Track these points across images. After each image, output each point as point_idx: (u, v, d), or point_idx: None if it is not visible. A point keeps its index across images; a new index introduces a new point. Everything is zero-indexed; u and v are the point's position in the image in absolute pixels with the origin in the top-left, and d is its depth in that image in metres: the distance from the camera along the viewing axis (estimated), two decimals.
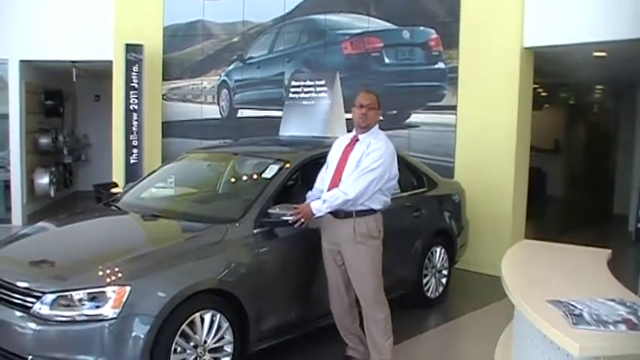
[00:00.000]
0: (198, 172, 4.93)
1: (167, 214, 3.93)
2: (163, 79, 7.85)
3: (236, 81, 7.59)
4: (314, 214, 3.51)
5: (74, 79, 8.59)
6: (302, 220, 3.49)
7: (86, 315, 2.91)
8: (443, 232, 5.03)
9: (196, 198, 4.56)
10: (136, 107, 7.44)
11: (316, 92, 5.12)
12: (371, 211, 3.56)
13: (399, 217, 4.43)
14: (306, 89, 5.19)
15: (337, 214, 3.55)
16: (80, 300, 2.92)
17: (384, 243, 3.63)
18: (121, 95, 7.48)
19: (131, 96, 7.42)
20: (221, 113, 7.72)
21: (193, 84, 7.82)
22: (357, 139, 3.61)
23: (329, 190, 3.56)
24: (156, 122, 7.79)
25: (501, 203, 5.92)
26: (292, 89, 5.35)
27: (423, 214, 4.75)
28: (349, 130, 3.86)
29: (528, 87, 6.13)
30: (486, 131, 5.96)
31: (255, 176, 4.31)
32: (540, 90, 9.99)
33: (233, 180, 4.64)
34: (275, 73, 7.26)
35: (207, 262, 3.28)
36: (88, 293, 2.93)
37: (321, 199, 3.54)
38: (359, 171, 3.48)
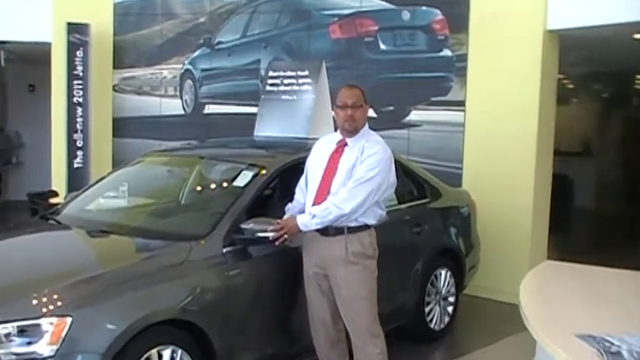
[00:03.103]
0: (157, 180, 4.94)
1: (118, 230, 3.93)
2: (114, 67, 7.84)
3: (202, 70, 7.62)
4: (300, 230, 3.55)
5: (2, 64, 8.53)
6: (285, 236, 3.53)
7: (15, 354, 2.85)
8: (449, 251, 5.08)
9: (154, 210, 4.57)
10: (80, 100, 7.43)
11: (298, 85, 5.15)
12: (365, 227, 3.61)
13: (396, 234, 4.48)
14: (286, 81, 5.23)
15: (325, 231, 3.58)
16: (7, 335, 2.86)
17: (378, 264, 3.68)
18: (61, 85, 7.45)
19: (74, 86, 7.41)
20: (184, 109, 7.73)
21: (151, 73, 7.83)
22: (346, 144, 3.66)
23: (315, 204, 3.60)
24: (105, 119, 7.77)
25: (519, 217, 5.96)
26: (270, 81, 5.38)
27: (425, 230, 4.80)
28: (336, 130, 3.89)
29: (552, 78, 6.18)
30: (501, 131, 6.01)
31: (225, 184, 4.32)
32: (567, 81, 10.09)
33: (199, 189, 4.65)
34: (249, 62, 7.29)
35: (167, 288, 3.29)
36: (18, 326, 2.87)
37: (308, 213, 3.57)
38: (354, 181, 3.52)
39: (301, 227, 3.55)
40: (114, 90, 7.89)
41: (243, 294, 3.59)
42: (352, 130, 3.64)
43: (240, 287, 3.58)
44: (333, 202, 3.51)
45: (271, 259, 3.74)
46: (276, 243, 3.54)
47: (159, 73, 7.81)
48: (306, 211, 3.66)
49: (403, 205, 4.74)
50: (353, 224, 3.57)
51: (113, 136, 7.83)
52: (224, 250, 3.55)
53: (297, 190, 3.83)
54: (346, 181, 3.55)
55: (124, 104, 7.89)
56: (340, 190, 3.53)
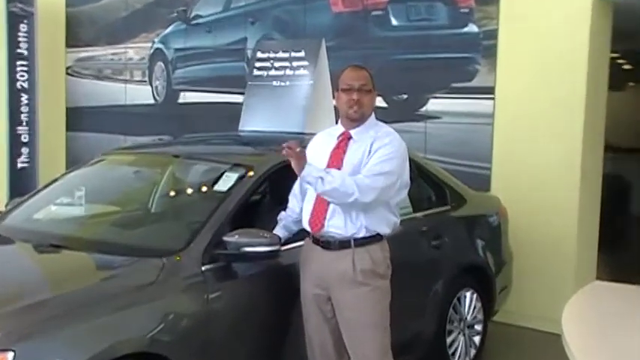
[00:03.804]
0: (121, 183, 4.95)
1: (73, 244, 3.93)
2: (68, 45, 7.87)
3: (177, 50, 7.63)
4: (301, 171, 3.45)
5: None
6: (292, 155, 3.43)
7: None
8: (475, 268, 5.10)
9: (118, 220, 4.58)
10: (25, 85, 7.44)
11: (292, 68, 5.17)
12: (376, 237, 3.63)
13: (410, 248, 4.48)
14: (277, 64, 5.25)
15: (328, 244, 3.61)
16: None
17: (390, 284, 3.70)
18: (1, 66, 7.46)
19: (18, 68, 7.41)
20: (155, 97, 7.75)
21: (113, 53, 7.85)
22: (350, 137, 3.67)
23: (315, 213, 3.62)
24: (57, 108, 7.80)
25: (562, 227, 5.95)
26: (258, 64, 5.40)
27: (446, 243, 4.81)
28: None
29: (603, 57, 6.17)
30: (539, 123, 6.00)
31: (204, 189, 4.34)
32: (622, 61, 10.05)
33: (172, 194, 4.66)
34: (233, 40, 7.31)
35: (133, 314, 3.28)
36: None
37: (321, 169, 3.50)
38: (366, 172, 3.52)
39: (306, 168, 3.44)
40: (67, 73, 7.92)
41: (226, 321, 3.59)
42: (358, 119, 3.65)
43: (222, 313, 3.57)
44: (357, 181, 3.46)
45: (260, 279, 3.74)
46: (283, 152, 3.45)
47: (123, 54, 7.82)
48: (304, 221, 3.69)
49: (419, 214, 4.75)
50: (361, 234, 3.59)
51: (67, 129, 7.86)
52: (203, 268, 3.54)
53: (291, 197, 3.84)
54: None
55: (80, 91, 7.90)
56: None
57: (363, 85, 3.64)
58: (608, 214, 6.53)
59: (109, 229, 4.45)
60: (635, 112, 12.41)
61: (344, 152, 3.64)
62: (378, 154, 3.56)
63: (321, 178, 3.42)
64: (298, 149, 3.46)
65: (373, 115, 3.73)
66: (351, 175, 3.54)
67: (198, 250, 3.57)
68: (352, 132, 3.67)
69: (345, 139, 3.68)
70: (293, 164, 3.48)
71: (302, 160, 3.47)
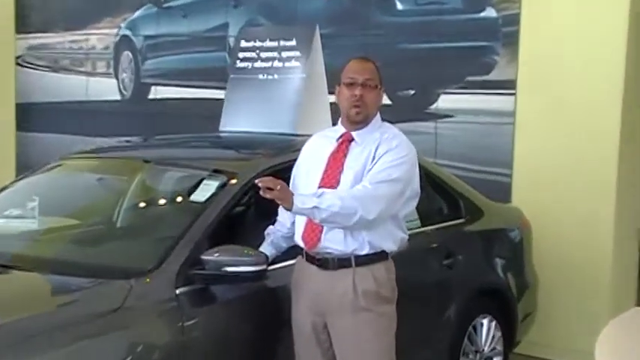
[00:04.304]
0: (82, 192, 4.94)
1: (24, 263, 3.92)
2: (18, 31, 7.85)
3: (147, 38, 7.63)
4: (291, 206, 3.44)
5: None
6: (275, 195, 3.40)
7: None
8: (493, 292, 5.11)
9: (77, 235, 4.57)
10: None
11: (281, 59, 5.17)
12: (380, 255, 3.63)
13: (418, 267, 4.50)
14: (264, 54, 5.25)
15: (325, 262, 3.61)
16: None
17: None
18: None
19: None
20: (121, 92, 7.74)
21: (72, 40, 7.84)
22: (352, 139, 3.68)
23: (308, 228, 3.62)
24: (5, 104, 7.78)
25: (594, 243, 5.95)
26: (242, 54, 5.40)
27: (460, 262, 4.82)
28: (335, 124, 3.90)
29: None
30: (568, 123, 6.00)
31: (179, 199, 4.35)
32: None
33: (142, 205, 4.67)
34: (213, 27, 7.31)
35: (96, 346, 3.26)
36: None
37: (312, 194, 3.50)
38: (369, 182, 3.52)
39: (296, 202, 3.43)
40: (17, 64, 7.90)
41: (204, 352, 3.58)
42: (361, 120, 3.66)
43: (199, 343, 3.56)
44: (355, 194, 3.47)
45: (243, 304, 3.74)
46: (261, 192, 3.42)
47: (84, 41, 7.82)
48: (296, 236, 3.69)
49: (429, 228, 4.75)
50: (364, 251, 3.59)
51: (17, 129, 7.84)
52: (177, 292, 3.53)
53: (281, 209, 3.82)
54: (356, 185, 3.56)
55: (32, 84, 7.89)
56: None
57: (368, 79, 3.65)
58: None
59: (67, 246, 4.44)
60: None
61: (344, 156, 3.65)
62: (385, 160, 3.57)
63: (317, 208, 3.42)
64: (278, 186, 3.42)
65: (378, 115, 3.74)
66: (352, 183, 3.55)
67: (171, 270, 3.56)
68: (354, 133, 3.68)
69: (345, 142, 3.69)
70: (280, 202, 3.47)
71: (287, 194, 3.46)
